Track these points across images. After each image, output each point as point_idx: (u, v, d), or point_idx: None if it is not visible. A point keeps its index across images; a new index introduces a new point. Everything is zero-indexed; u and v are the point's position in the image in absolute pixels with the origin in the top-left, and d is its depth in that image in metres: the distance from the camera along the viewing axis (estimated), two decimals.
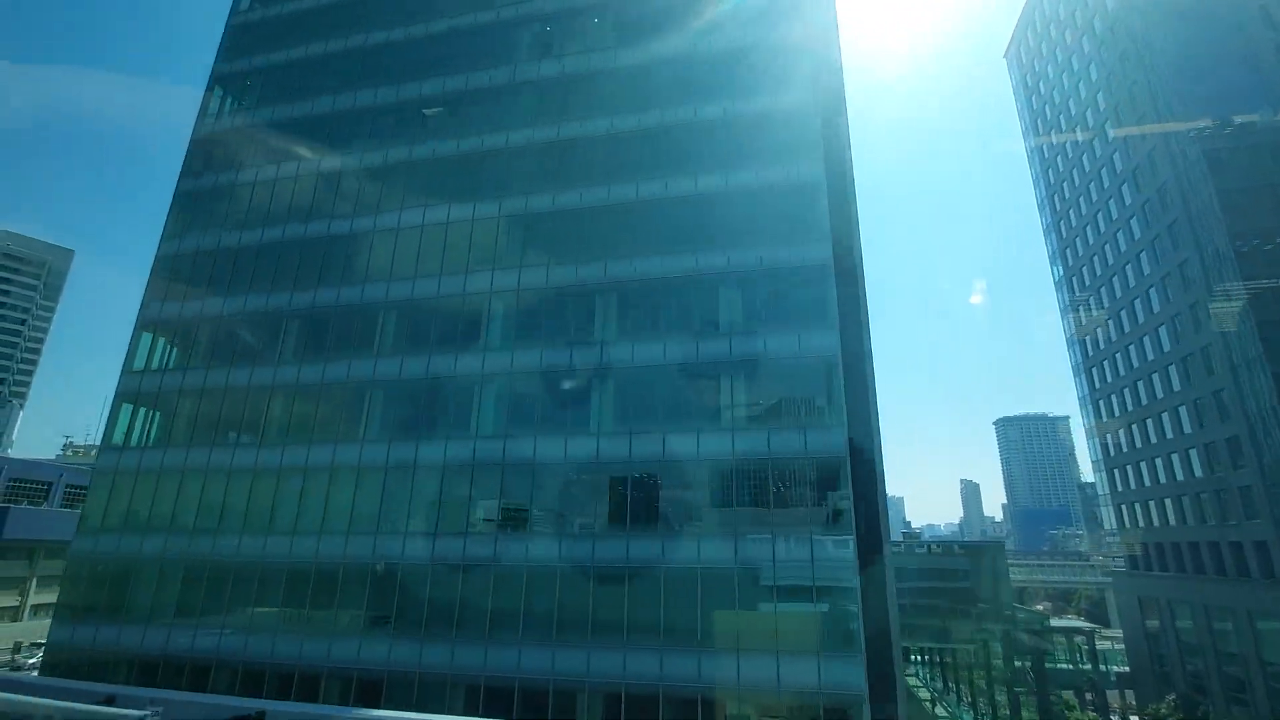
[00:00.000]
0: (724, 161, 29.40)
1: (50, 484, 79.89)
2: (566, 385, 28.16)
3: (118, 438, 32.86)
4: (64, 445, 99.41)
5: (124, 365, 33.87)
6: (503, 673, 24.49)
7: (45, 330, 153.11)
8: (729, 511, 24.88)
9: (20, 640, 57.44)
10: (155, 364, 33.86)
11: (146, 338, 34.63)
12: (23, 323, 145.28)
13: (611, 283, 28.78)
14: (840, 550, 23.42)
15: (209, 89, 39.34)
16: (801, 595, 23.20)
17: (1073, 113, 69.77)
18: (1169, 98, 53.40)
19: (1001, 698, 41.10)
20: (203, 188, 36.76)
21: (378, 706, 24.67)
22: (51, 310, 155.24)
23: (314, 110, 36.46)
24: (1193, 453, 52.39)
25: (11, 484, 75.52)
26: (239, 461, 30.22)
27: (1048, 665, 48.98)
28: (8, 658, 57.01)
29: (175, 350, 33.93)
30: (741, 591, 23.64)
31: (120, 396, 33.36)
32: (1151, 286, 56.85)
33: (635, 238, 29.22)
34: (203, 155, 37.73)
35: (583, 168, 31.08)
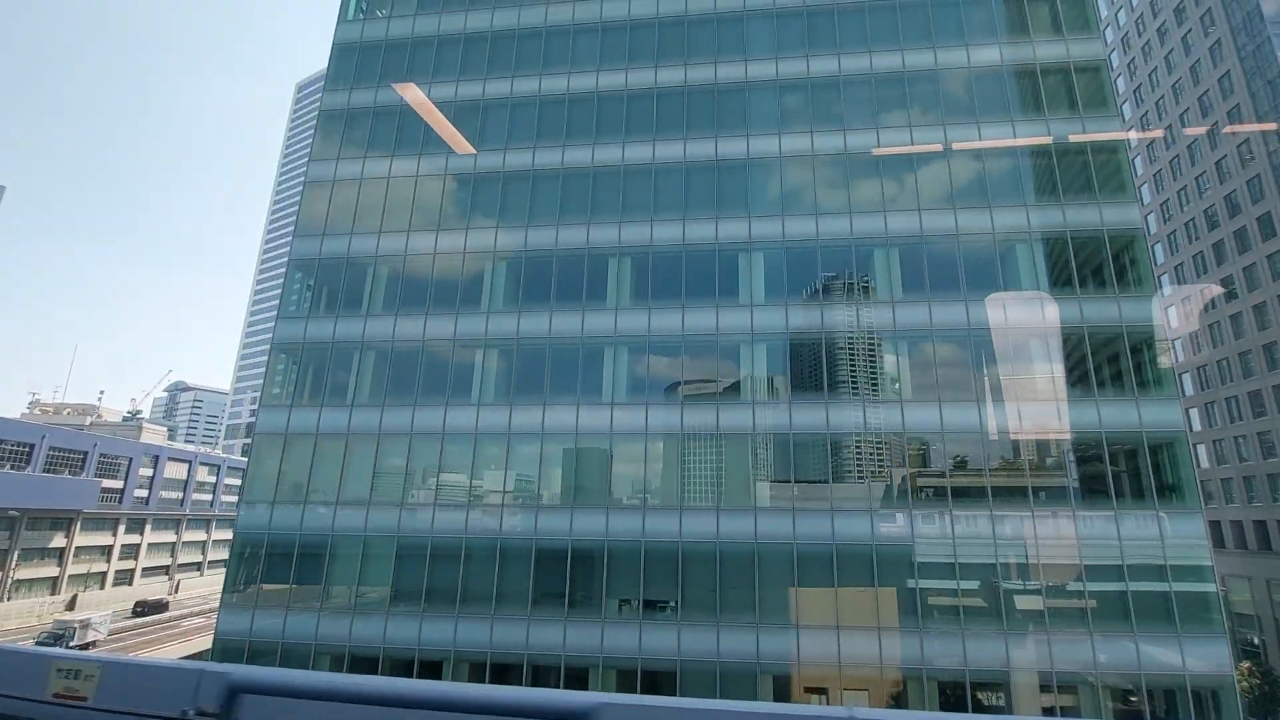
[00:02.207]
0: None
1: (32, 446, 70.34)
2: (835, 351, 25.52)
3: (276, 394, 27.88)
4: (30, 403, 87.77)
5: (279, 310, 28.68)
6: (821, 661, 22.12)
7: None
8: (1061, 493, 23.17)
9: (63, 629, 49.89)
10: (319, 309, 28.82)
11: (296, 277, 29.42)
12: None
13: (893, 237, 26.13)
14: (1189, 525, 22.13)
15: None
16: (1153, 574, 21.82)
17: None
18: None
19: None
20: (368, 46, 31.25)
21: None
22: None
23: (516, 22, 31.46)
24: None
25: None
26: (455, 422, 26.07)
27: None
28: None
29: (341, 293, 28.91)
30: (1092, 573, 22.05)
31: (277, 347, 28.24)
32: None
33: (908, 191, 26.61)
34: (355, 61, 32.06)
35: (840, 106, 27.99)
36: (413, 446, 26.19)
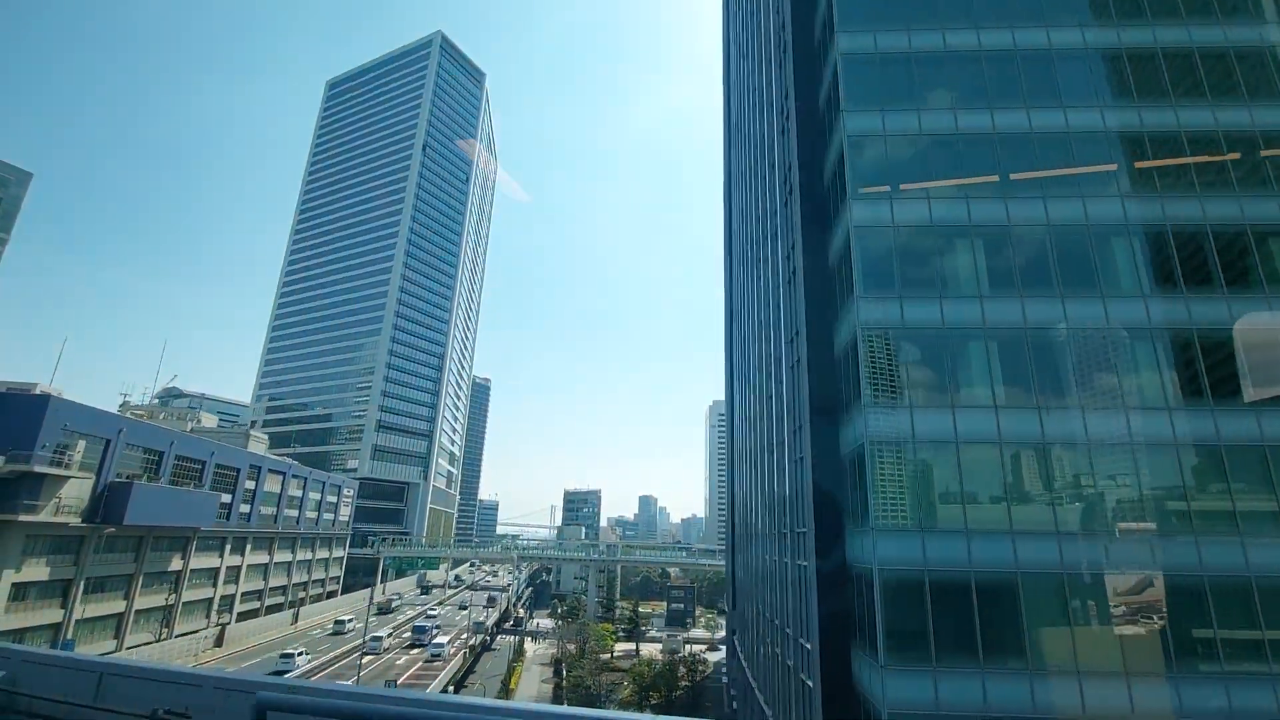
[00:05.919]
0: None
1: (161, 454, 61.09)
2: None
3: (872, 394, 22.11)
4: (120, 405, 77.04)
5: (856, 288, 22.98)
6: None
7: None
8: None
9: None
10: (901, 287, 23.24)
11: (864, 246, 23.72)
12: None
13: None
14: None
15: None
16: None
17: None
18: None
19: None
20: None
21: None
22: (4, 240, 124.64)
23: None
24: None
25: (127, 453, 56.50)
26: (1140, 429, 20.84)
27: None
28: None
29: (941, 266, 23.43)
30: None
31: (866, 332, 22.50)
32: None
33: None
34: None
35: None
36: (1093, 458, 20.86)
